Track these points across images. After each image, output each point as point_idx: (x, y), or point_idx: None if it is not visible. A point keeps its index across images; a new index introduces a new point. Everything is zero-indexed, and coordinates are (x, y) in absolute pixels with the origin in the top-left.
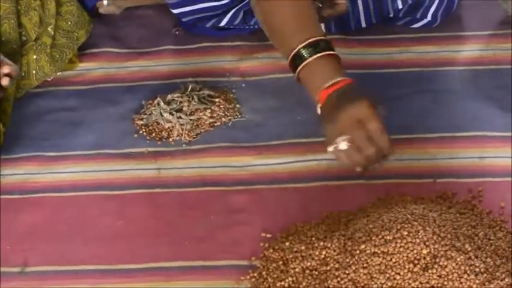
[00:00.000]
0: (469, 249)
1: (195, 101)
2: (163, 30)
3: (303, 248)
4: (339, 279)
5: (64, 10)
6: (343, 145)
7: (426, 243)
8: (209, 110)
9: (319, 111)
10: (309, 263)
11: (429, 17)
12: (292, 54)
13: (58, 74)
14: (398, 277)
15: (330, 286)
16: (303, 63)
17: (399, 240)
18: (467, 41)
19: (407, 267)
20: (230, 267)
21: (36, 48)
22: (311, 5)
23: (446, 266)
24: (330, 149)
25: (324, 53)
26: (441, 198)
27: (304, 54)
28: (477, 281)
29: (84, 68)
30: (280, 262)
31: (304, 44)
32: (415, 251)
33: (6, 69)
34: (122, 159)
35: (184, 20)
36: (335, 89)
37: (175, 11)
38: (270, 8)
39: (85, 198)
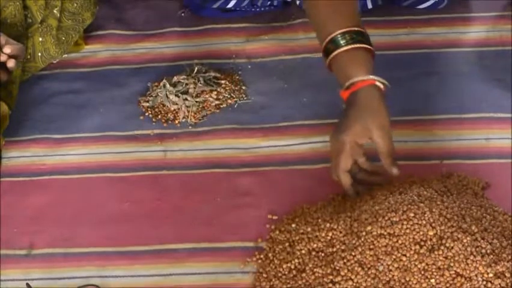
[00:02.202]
0: (476, 230)
1: (200, 83)
2: (169, 12)
3: (309, 229)
4: (345, 260)
5: None
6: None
7: (433, 224)
8: (215, 92)
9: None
10: (315, 245)
11: None
12: (328, 38)
13: (64, 56)
14: (404, 258)
15: (337, 267)
16: (337, 51)
17: (405, 222)
18: (474, 22)
19: (413, 248)
20: (236, 249)
21: (42, 30)
22: None
23: (452, 248)
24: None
25: (360, 45)
26: (448, 179)
27: (340, 41)
28: (483, 263)
29: (90, 50)
30: (287, 244)
31: (343, 30)
32: (421, 233)
33: (11, 51)
34: (128, 142)
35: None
36: (352, 91)
37: None
38: None
39: (91, 181)
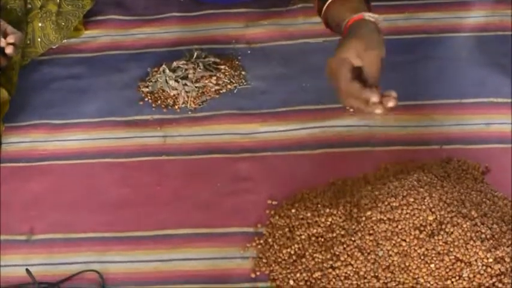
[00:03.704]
0: (475, 215)
1: (200, 68)
2: None
3: (309, 215)
4: (345, 245)
5: None
6: None
7: (432, 209)
8: (214, 77)
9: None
10: (315, 230)
11: None
12: None
13: (64, 41)
14: (404, 243)
15: (336, 253)
16: (328, 2)
17: (405, 207)
18: (474, 7)
19: (413, 233)
20: (236, 235)
21: (42, 15)
22: None
23: (452, 233)
24: None
25: None
26: (447, 164)
27: None
28: (483, 247)
29: (89, 35)
30: (286, 229)
31: None
32: (421, 218)
33: (10, 38)
34: (127, 127)
35: None
36: (345, 27)
37: None
38: None
39: (91, 166)
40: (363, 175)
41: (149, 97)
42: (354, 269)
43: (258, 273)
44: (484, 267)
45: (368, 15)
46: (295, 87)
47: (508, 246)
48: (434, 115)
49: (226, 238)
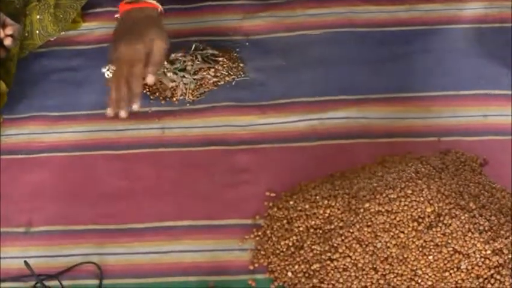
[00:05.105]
0: (473, 207)
1: (198, 60)
2: None
3: (307, 206)
4: (343, 237)
5: None
6: (108, 74)
7: (431, 201)
8: (213, 69)
9: (116, 20)
10: (313, 222)
11: None
12: None
13: (62, 33)
14: (402, 235)
15: (335, 244)
16: None
17: (403, 199)
18: None
19: (411, 225)
20: (234, 226)
21: (40, 8)
22: None
23: (450, 224)
24: (103, 70)
25: None
26: (445, 156)
27: None
28: (481, 239)
29: (87, 27)
30: (285, 221)
31: None
32: (419, 210)
33: (9, 30)
34: (125, 119)
35: None
36: (132, 7)
37: None
38: None
39: (89, 158)
40: (361, 167)
41: (148, 89)
42: (352, 261)
43: (256, 265)
44: (482, 259)
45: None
46: (294, 79)
47: (506, 238)
48: (432, 107)
49: (225, 230)
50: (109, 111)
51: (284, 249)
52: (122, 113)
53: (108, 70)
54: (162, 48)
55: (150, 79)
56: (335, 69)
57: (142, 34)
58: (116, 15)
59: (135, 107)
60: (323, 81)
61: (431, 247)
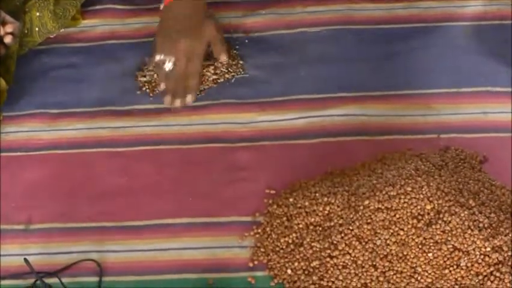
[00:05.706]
0: (473, 204)
1: None
2: None
3: (307, 203)
4: (343, 234)
5: None
6: (169, 65)
7: (430, 198)
8: (212, 67)
9: (161, 7)
10: (313, 219)
11: None
12: None
13: (61, 31)
14: (401, 232)
15: (334, 242)
16: None
17: (402, 196)
18: None
19: (410, 222)
20: (234, 224)
21: (39, 5)
22: None
23: (449, 222)
24: (157, 57)
25: None
26: (445, 153)
27: None
28: (481, 236)
29: (87, 24)
30: (284, 218)
31: None
32: (419, 207)
33: (9, 28)
34: (125, 116)
35: None
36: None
37: None
38: None
39: (88, 156)
40: (361, 164)
41: (147, 86)
42: (352, 258)
43: (255, 262)
44: (482, 256)
45: None
46: (294, 77)
47: (506, 235)
48: (431, 104)
49: (224, 227)
50: (167, 100)
51: (284, 247)
52: (177, 103)
53: (169, 62)
54: (218, 38)
55: (223, 58)
56: (334, 66)
57: (199, 29)
58: (161, 6)
59: (189, 99)
60: (322, 78)
61: (431, 244)
